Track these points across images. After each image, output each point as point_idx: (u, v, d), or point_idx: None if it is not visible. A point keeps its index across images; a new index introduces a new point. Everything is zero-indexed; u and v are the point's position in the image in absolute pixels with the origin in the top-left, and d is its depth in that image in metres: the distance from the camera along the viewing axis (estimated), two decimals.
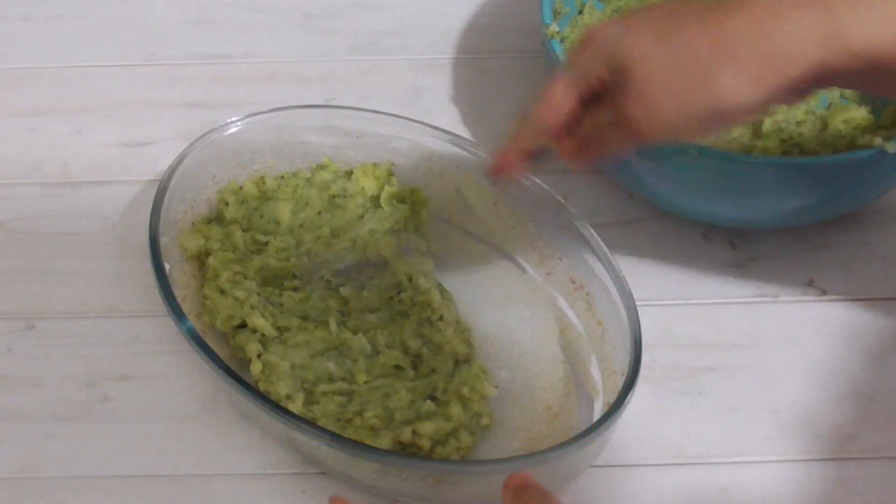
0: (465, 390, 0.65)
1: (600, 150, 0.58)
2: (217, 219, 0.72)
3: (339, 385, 0.65)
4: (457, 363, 0.67)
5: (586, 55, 0.56)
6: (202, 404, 0.67)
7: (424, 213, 0.73)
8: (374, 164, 0.74)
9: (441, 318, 0.68)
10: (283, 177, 0.73)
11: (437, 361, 0.66)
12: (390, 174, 0.73)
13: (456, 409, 0.63)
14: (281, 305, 0.69)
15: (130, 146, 0.79)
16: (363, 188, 0.73)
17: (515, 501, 0.50)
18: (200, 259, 0.70)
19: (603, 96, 0.56)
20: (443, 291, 0.70)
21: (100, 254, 0.74)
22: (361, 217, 0.72)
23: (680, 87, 0.53)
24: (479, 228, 0.73)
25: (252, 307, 0.66)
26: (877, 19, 0.51)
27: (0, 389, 0.67)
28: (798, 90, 0.54)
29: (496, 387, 0.66)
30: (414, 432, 0.62)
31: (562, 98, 0.57)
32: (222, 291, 0.67)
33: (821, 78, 0.53)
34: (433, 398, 0.65)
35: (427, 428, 0.62)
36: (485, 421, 0.65)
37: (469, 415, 0.64)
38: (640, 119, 0.55)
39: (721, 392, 0.68)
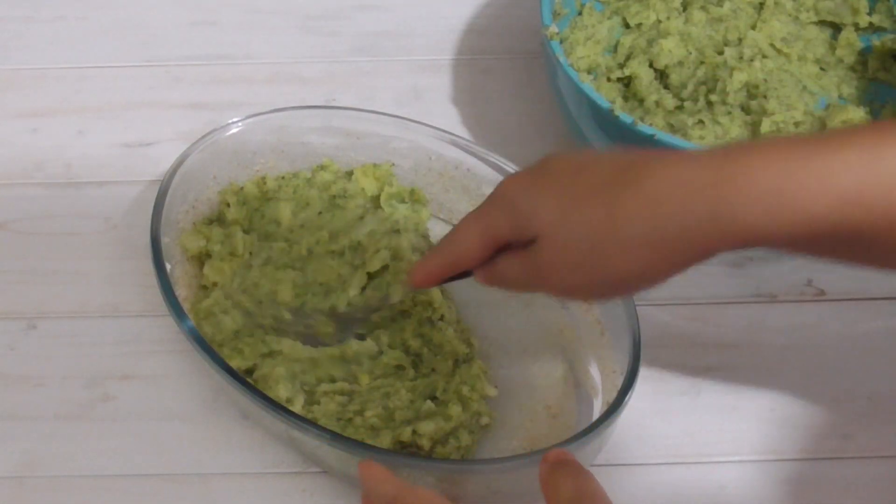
0: (465, 390, 0.65)
1: (513, 289, 0.61)
2: (218, 219, 0.72)
3: (341, 385, 0.65)
4: (457, 363, 0.67)
5: (497, 212, 0.58)
6: (203, 404, 0.67)
7: (425, 213, 0.73)
8: (375, 165, 0.74)
9: (442, 318, 0.68)
10: (283, 177, 0.73)
11: (437, 361, 0.67)
12: (391, 175, 0.74)
13: (455, 409, 0.64)
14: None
15: (132, 147, 0.80)
16: (363, 188, 0.73)
17: (551, 475, 0.52)
18: (201, 259, 0.70)
19: (513, 244, 0.58)
20: (443, 291, 0.70)
21: (101, 254, 0.74)
22: (362, 218, 0.72)
23: (581, 263, 0.55)
24: None
25: (226, 343, 0.66)
26: (760, 207, 0.51)
27: (2, 388, 0.68)
28: (693, 264, 0.55)
29: (496, 387, 0.67)
30: (414, 432, 0.62)
31: (473, 245, 0.59)
32: (209, 315, 0.67)
33: (712, 255, 0.54)
34: (433, 398, 0.65)
35: (427, 427, 0.62)
36: (484, 420, 0.65)
37: (469, 414, 0.64)
38: (550, 285, 0.58)
39: (719, 391, 0.68)
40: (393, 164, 0.74)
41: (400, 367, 0.66)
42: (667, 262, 0.54)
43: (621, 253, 0.53)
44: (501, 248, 0.58)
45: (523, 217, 0.56)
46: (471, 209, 0.73)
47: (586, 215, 0.54)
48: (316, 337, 0.68)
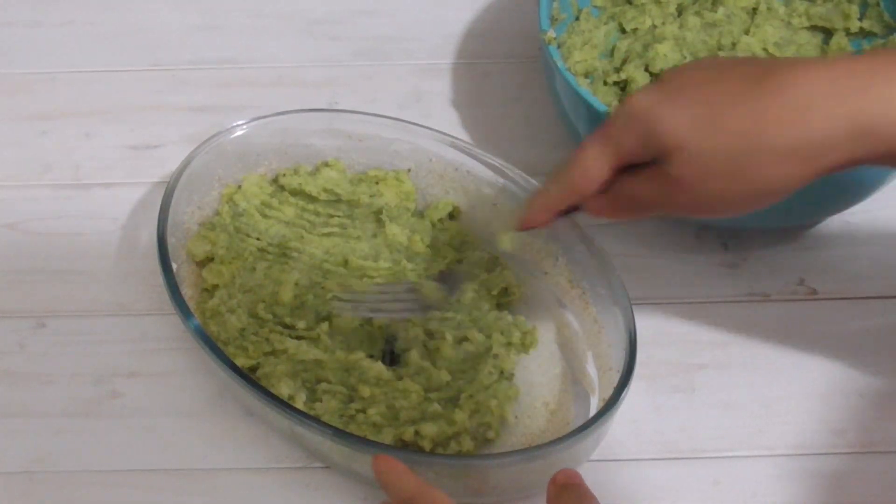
0: (494, 404, 0.65)
1: (637, 213, 0.59)
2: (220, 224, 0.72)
3: (341, 388, 0.66)
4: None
5: (624, 128, 0.56)
6: (208, 400, 0.68)
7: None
8: (398, 179, 0.74)
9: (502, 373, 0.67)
10: (284, 174, 0.74)
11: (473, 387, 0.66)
12: (412, 193, 0.74)
13: (460, 415, 0.63)
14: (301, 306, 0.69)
15: (139, 149, 0.80)
16: (387, 203, 0.74)
17: (557, 497, 0.53)
18: (207, 261, 0.71)
19: (637, 163, 0.56)
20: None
21: (109, 254, 0.75)
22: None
23: (720, 175, 0.54)
24: (478, 228, 0.74)
25: (231, 342, 0.66)
26: None
27: (12, 386, 0.69)
28: (836, 171, 0.54)
29: (516, 417, 0.66)
30: (416, 433, 0.63)
31: (596, 166, 0.57)
32: (215, 314, 0.68)
33: (855, 164, 0.54)
34: (454, 399, 0.65)
35: (429, 429, 0.63)
36: (490, 434, 0.65)
37: (475, 423, 0.64)
38: (686, 202, 0.56)
39: (713, 388, 0.69)
40: (409, 171, 0.74)
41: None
42: (811, 170, 0.53)
43: (768, 162, 0.52)
44: (621, 170, 0.57)
45: (655, 132, 0.54)
46: (471, 210, 0.74)
47: (729, 125, 0.52)
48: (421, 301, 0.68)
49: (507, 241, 0.68)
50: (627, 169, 0.57)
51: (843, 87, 0.52)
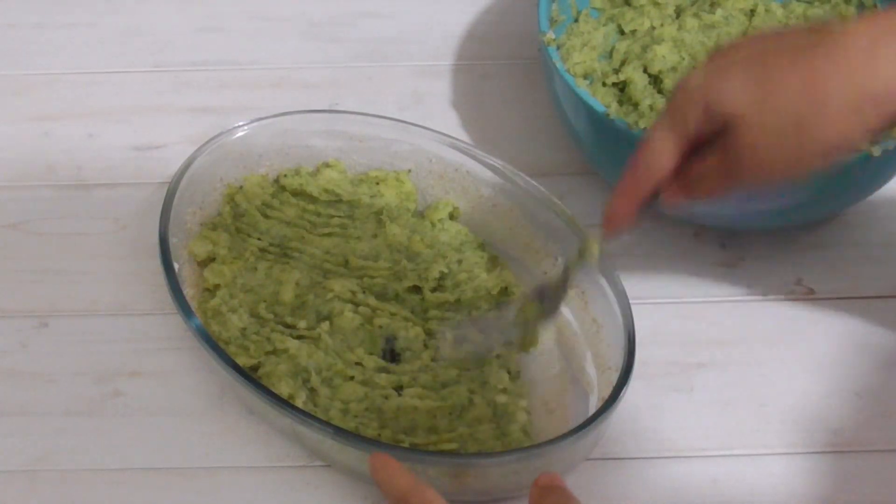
0: (523, 404, 0.65)
1: (707, 193, 0.58)
2: (222, 223, 0.73)
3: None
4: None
5: (685, 108, 0.56)
6: (210, 399, 0.68)
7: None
8: (398, 179, 0.74)
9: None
10: (286, 175, 0.74)
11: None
12: (413, 194, 0.74)
13: (517, 434, 0.64)
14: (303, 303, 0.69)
15: (141, 150, 0.81)
16: (388, 203, 0.74)
17: (540, 499, 0.53)
18: (209, 261, 0.71)
19: (703, 142, 0.56)
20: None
21: (111, 254, 0.75)
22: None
23: (784, 136, 0.53)
24: (478, 229, 0.74)
25: (232, 342, 0.67)
26: None
27: (15, 385, 0.69)
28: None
29: (528, 412, 0.67)
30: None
31: (666, 148, 0.57)
32: (217, 314, 0.68)
33: None
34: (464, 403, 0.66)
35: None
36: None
37: (510, 440, 0.64)
38: (751, 169, 0.55)
39: (712, 387, 0.69)
40: (409, 171, 0.75)
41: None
42: (876, 118, 0.52)
43: (833, 113, 0.52)
44: (689, 153, 0.56)
45: (715, 102, 0.54)
46: (471, 211, 0.75)
47: (789, 81, 0.52)
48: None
49: (594, 250, 0.64)
50: (693, 153, 0.57)
51: None
